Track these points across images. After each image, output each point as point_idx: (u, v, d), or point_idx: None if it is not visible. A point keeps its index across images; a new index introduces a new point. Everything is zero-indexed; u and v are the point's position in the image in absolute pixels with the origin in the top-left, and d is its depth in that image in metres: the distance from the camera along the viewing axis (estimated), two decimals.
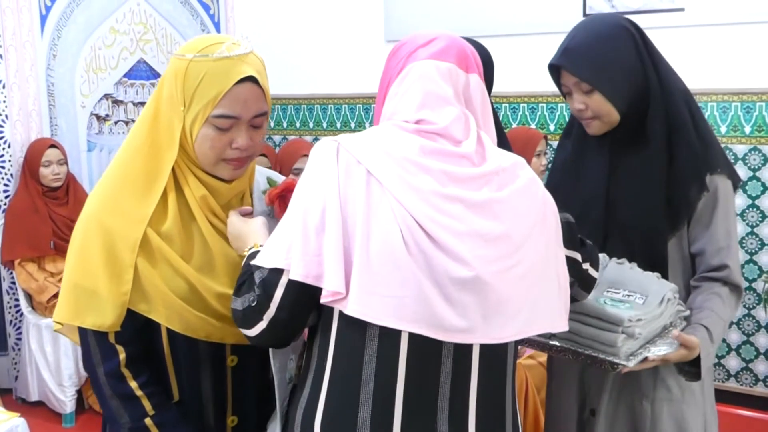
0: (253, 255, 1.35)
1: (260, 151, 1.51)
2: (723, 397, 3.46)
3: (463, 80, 1.34)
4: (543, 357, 2.65)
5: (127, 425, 1.43)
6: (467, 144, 1.30)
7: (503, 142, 1.58)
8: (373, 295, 1.21)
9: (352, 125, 4.86)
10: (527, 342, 1.63)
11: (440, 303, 1.21)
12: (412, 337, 1.23)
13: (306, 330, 1.39)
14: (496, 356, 1.31)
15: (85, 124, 4.52)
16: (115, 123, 4.67)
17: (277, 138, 5.18)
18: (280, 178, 1.64)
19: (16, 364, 4.15)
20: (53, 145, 4.05)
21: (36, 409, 3.92)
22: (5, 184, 4.10)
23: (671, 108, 1.75)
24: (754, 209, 3.72)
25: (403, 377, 1.24)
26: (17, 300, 4.09)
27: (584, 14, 3.96)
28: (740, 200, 3.71)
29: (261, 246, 1.37)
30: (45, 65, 4.26)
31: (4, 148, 4.08)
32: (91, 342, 1.43)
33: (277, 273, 1.26)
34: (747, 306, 3.79)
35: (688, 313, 1.72)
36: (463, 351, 1.27)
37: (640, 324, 1.58)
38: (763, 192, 3.71)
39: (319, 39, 4.93)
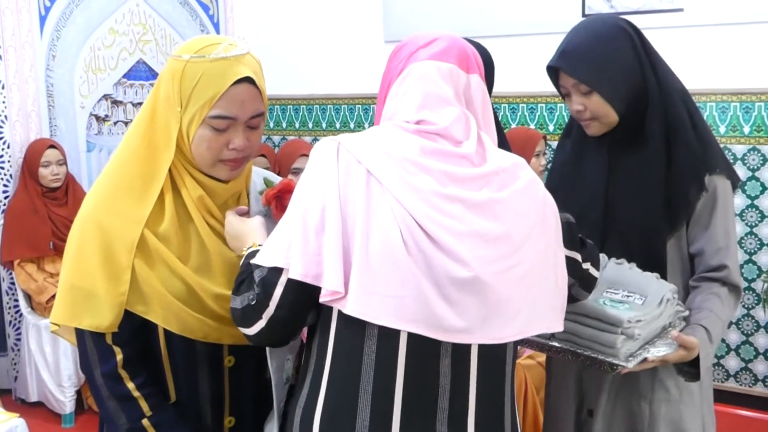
0: (252, 254, 1.35)
1: (257, 151, 1.51)
2: (722, 397, 3.46)
3: (463, 81, 1.34)
4: (542, 357, 2.65)
5: (124, 426, 1.43)
6: (467, 144, 1.30)
7: (502, 142, 1.58)
8: (372, 294, 1.21)
9: (352, 125, 4.86)
10: (527, 342, 1.63)
11: (439, 303, 1.21)
12: (411, 337, 1.23)
13: (304, 330, 1.39)
14: (495, 356, 1.31)
15: (84, 125, 4.52)
16: (115, 123, 4.67)
17: (276, 138, 5.18)
18: (276, 179, 1.64)
19: (15, 364, 4.15)
20: (52, 146, 4.05)
21: (35, 410, 3.92)
22: (4, 185, 4.10)
23: (670, 108, 1.75)
24: (753, 209, 3.73)
25: (402, 377, 1.25)
26: (17, 300, 4.09)
27: (583, 14, 3.96)
28: (739, 200, 3.71)
29: (260, 245, 1.37)
30: (44, 66, 4.26)
31: (3, 149, 4.08)
32: (88, 343, 1.43)
33: (276, 272, 1.27)
34: (746, 306, 3.79)
35: (687, 313, 1.72)
36: (461, 351, 1.27)
37: (639, 325, 1.58)
38: (762, 192, 3.71)
39: (318, 39, 4.93)
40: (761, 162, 3.70)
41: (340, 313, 1.26)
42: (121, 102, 4.70)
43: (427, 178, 1.24)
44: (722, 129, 3.75)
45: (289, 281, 1.25)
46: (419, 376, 1.26)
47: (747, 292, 3.76)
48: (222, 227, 1.50)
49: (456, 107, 1.32)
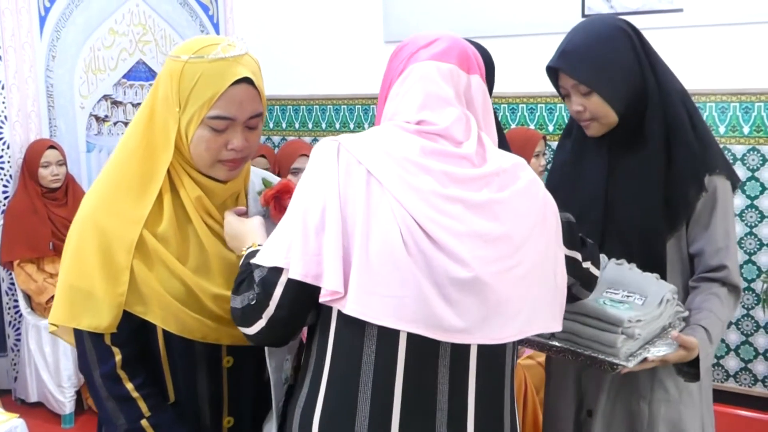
0: (252, 254, 1.35)
1: (255, 151, 1.51)
2: (722, 397, 3.46)
3: (464, 81, 1.35)
4: (542, 357, 2.65)
5: (123, 427, 1.43)
6: (468, 145, 1.30)
7: (502, 142, 1.59)
8: (372, 294, 1.21)
9: (351, 126, 4.86)
10: (527, 342, 1.63)
11: (439, 303, 1.21)
12: (411, 337, 1.23)
13: (304, 330, 1.39)
14: (495, 357, 1.31)
15: (84, 125, 4.52)
16: (114, 124, 4.67)
17: (276, 139, 5.18)
18: (275, 179, 1.64)
19: (15, 365, 4.15)
20: (52, 146, 4.05)
21: (35, 410, 3.92)
22: (4, 185, 4.10)
23: (669, 109, 1.75)
24: (753, 209, 3.73)
25: (402, 377, 1.25)
26: (16, 301, 4.09)
27: (583, 15, 3.97)
28: (739, 200, 3.71)
29: (259, 245, 1.37)
30: (44, 66, 4.26)
31: (3, 149, 4.08)
32: (87, 344, 1.43)
33: (276, 272, 1.27)
34: (746, 306, 3.79)
35: (687, 314, 1.72)
36: (460, 351, 1.27)
37: (639, 325, 1.58)
38: (761, 192, 3.71)
39: (318, 40, 4.93)
40: (761, 162, 3.70)
41: (339, 313, 1.26)
42: (120, 102, 4.70)
43: (428, 178, 1.24)
44: (722, 129, 3.75)
45: (289, 281, 1.25)
46: (418, 376, 1.26)
47: (746, 292, 3.76)
48: (220, 228, 1.50)
49: (456, 108, 1.32)
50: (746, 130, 3.72)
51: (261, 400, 1.55)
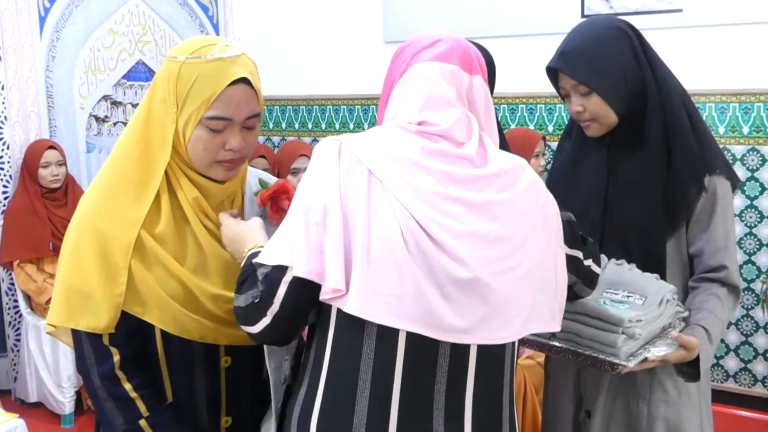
0: (255, 255, 1.35)
1: (253, 152, 1.51)
2: (722, 397, 3.46)
3: (466, 82, 1.35)
4: (541, 357, 2.65)
5: (121, 427, 1.43)
6: (469, 146, 1.30)
7: (502, 143, 1.59)
8: (372, 293, 1.21)
9: (351, 126, 4.86)
10: (527, 342, 1.63)
11: (439, 303, 1.21)
12: (410, 336, 1.24)
13: (304, 329, 1.40)
14: (494, 357, 1.31)
15: (84, 126, 4.52)
16: (114, 124, 4.67)
17: (276, 139, 5.18)
18: (271, 180, 1.64)
19: (15, 365, 4.15)
20: (52, 147, 4.05)
21: (35, 410, 3.92)
22: (4, 186, 4.10)
23: (669, 109, 1.75)
24: (753, 210, 3.73)
25: (400, 377, 1.25)
26: (16, 301, 4.09)
27: (582, 15, 3.97)
28: (738, 201, 3.71)
29: (261, 246, 1.37)
30: (44, 66, 4.26)
31: (3, 150, 4.08)
32: (85, 344, 1.43)
33: (280, 270, 1.26)
34: (745, 307, 3.79)
35: (686, 314, 1.72)
36: (459, 351, 1.27)
37: (640, 324, 1.58)
38: (761, 192, 3.71)
39: (317, 40, 4.93)
40: (760, 162, 3.70)
41: (339, 312, 1.26)
42: (120, 103, 4.70)
43: (428, 178, 1.25)
44: (721, 129, 3.75)
45: (294, 279, 1.25)
46: (417, 375, 1.26)
47: (746, 292, 3.76)
48: (218, 228, 1.50)
49: (458, 108, 1.32)
50: (746, 130, 3.72)
51: (259, 400, 1.56)
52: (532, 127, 4.23)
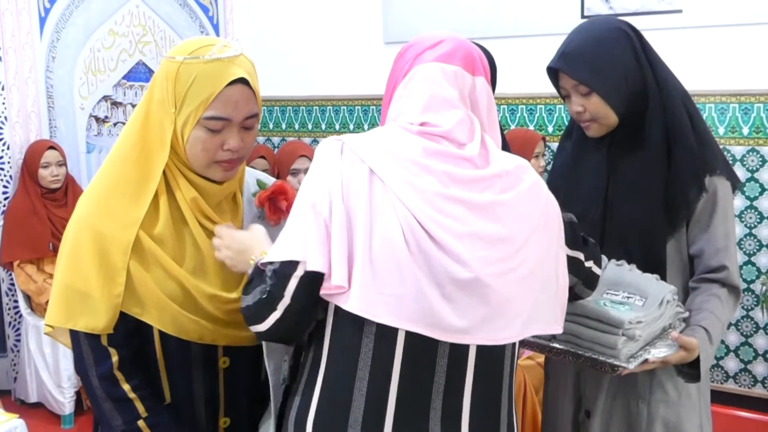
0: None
1: (251, 152, 1.51)
2: (721, 398, 3.46)
3: (469, 83, 1.35)
4: (541, 358, 2.65)
5: (120, 428, 1.44)
6: (471, 147, 1.30)
7: (502, 143, 1.59)
8: (373, 292, 1.22)
9: (351, 127, 4.86)
10: (527, 343, 1.63)
11: (439, 302, 1.21)
12: (409, 336, 1.24)
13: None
14: (494, 358, 1.31)
15: (84, 126, 4.52)
16: (114, 125, 4.67)
17: (275, 140, 5.18)
18: (270, 180, 1.64)
19: (15, 365, 4.15)
20: (52, 147, 4.05)
21: (35, 411, 3.92)
22: (4, 186, 4.10)
23: (669, 110, 1.75)
24: (752, 210, 3.73)
25: (398, 376, 1.25)
26: (16, 301, 4.09)
27: (582, 16, 3.97)
28: (738, 201, 3.71)
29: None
30: (44, 67, 4.26)
31: (3, 150, 4.09)
32: (84, 345, 1.43)
33: (291, 265, 1.25)
34: (745, 307, 3.79)
35: (687, 314, 1.72)
36: (459, 352, 1.27)
37: (640, 326, 1.58)
38: (761, 193, 3.71)
39: (317, 41, 4.93)
40: (760, 163, 3.70)
41: (337, 310, 1.26)
42: (120, 103, 4.70)
43: (430, 178, 1.25)
44: (721, 130, 3.75)
45: (305, 274, 1.24)
46: (415, 375, 1.26)
47: (746, 293, 3.76)
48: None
49: (460, 110, 1.33)
50: (746, 131, 3.72)
51: (257, 400, 1.56)
52: (532, 127, 4.23)
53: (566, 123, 1.98)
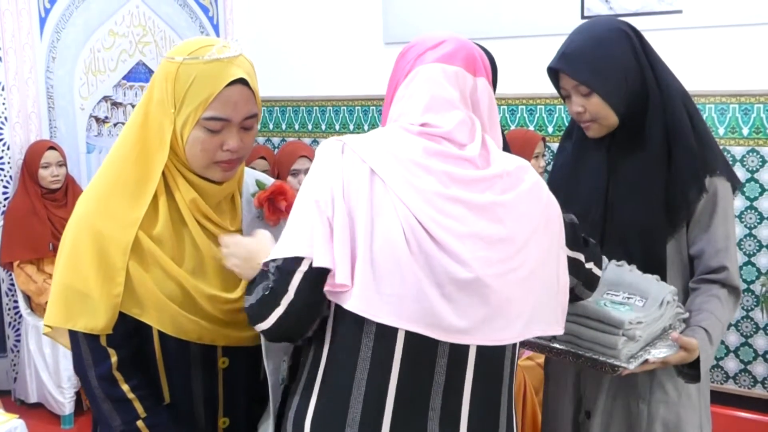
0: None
1: (250, 152, 1.51)
2: (721, 398, 3.46)
3: (470, 83, 1.35)
4: (541, 358, 2.65)
5: (119, 428, 1.44)
6: (471, 148, 1.31)
7: (502, 143, 1.59)
8: (374, 292, 1.22)
9: (351, 127, 4.86)
10: (527, 344, 1.63)
11: (440, 303, 1.22)
12: (409, 335, 1.24)
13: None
14: (494, 358, 1.31)
15: (84, 126, 4.52)
16: (114, 125, 4.67)
17: (276, 140, 5.18)
18: (269, 181, 1.64)
19: (15, 365, 4.15)
20: (52, 147, 4.05)
21: (35, 411, 3.92)
22: (4, 186, 4.10)
23: (670, 110, 1.75)
24: (752, 211, 3.73)
25: (396, 376, 1.25)
26: (16, 302, 4.09)
27: (582, 16, 3.97)
28: (738, 202, 3.71)
29: None
30: (44, 67, 4.26)
31: (3, 150, 4.09)
32: (83, 345, 1.43)
33: (294, 261, 1.25)
34: (745, 308, 3.79)
35: (687, 315, 1.72)
36: (459, 352, 1.27)
37: (640, 326, 1.58)
38: (761, 194, 3.71)
39: (317, 41, 4.93)
40: (760, 164, 3.70)
41: (337, 309, 1.27)
42: (120, 104, 4.70)
43: (430, 178, 1.25)
44: (721, 131, 3.75)
45: (309, 270, 1.24)
46: (414, 375, 1.26)
47: (746, 293, 3.75)
48: (216, 229, 1.50)
49: (461, 110, 1.33)
50: (745, 131, 3.72)
51: (256, 401, 1.56)
52: (532, 128, 4.23)
53: (566, 123, 1.98)
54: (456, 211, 1.24)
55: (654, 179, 1.75)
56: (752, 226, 3.74)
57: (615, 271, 1.70)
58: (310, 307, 1.27)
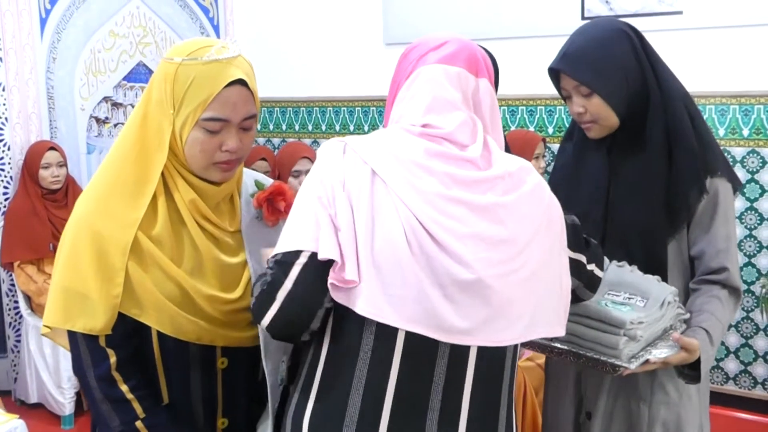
0: None
1: (249, 153, 1.52)
2: (721, 400, 3.47)
3: (472, 84, 1.35)
4: (541, 359, 2.65)
5: (118, 428, 1.44)
6: (473, 149, 1.30)
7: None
8: (375, 293, 1.22)
9: (351, 128, 4.86)
10: (528, 344, 1.63)
11: (442, 303, 1.22)
12: (409, 336, 1.24)
13: None
14: (494, 359, 1.31)
15: (84, 127, 4.53)
16: (115, 126, 4.67)
17: (276, 141, 5.18)
18: (268, 181, 1.64)
19: (15, 366, 4.15)
20: (53, 148, 4.05)
21: (35, 411, 3.92)
22: (5, 187, 4.10)
23: (671, 111, 1.75)
24: (753, 212, 3.73)
25: (396, 375, 1.25)
26: (17, 302, 4.09)
27: (582, 17, 3.97)
28: (738, 203, 3.71)
29: None
30: (45, 68, 4.27)
31: (3, 151, 4.09)
32: (82, 346, 1.43)
33: (293, 254, 1.25)
34: (745, 309, 3.79)
35: (687, 316, 1.72)
36: (459, 353, 1.27)
37: (641, 326, 1.58)
38: (761, 195, 3.71)
39: (318, 42, 4.93)
40: (760, 165, 3.70)
41: (338, 309, 1.26)
42: (121, 104, 4.70)
43: (432, 179, 1.25)
44: (721, 131, 3.75)
45: (308, 262, 1.24)
46: (414, 375, 1.26)
47: (746, 294, 3.75)
48: (215, 230, 1.50)
49: (463, 111, 1.33)
50: (746, 132, 3.72)
51: (255, 402, 1.57)
52: (532, 128, 4.23)
53: (566, 124, 1.98)
54: (457, 212, 1.24)
55: (655, 180, 1.75)
56: (752, 227, 3.74)
57: (616, 272, 1.70)
58: (308, 298, 1.25)
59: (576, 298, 1.46)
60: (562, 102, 1.85)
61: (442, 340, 1.24)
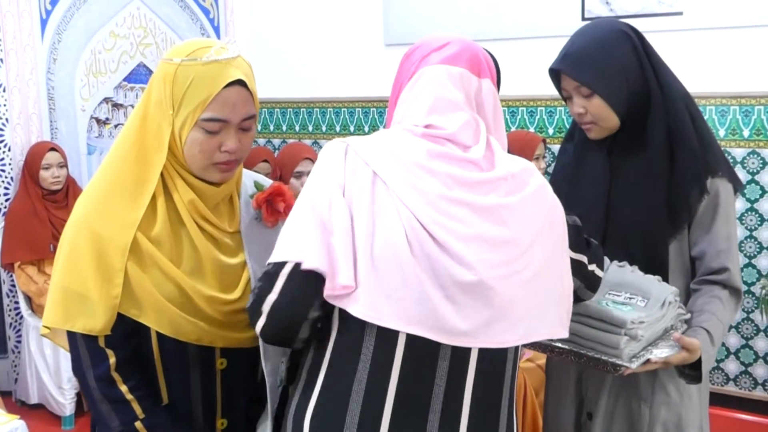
0: None
1: (248, 153, 1.52)
2: (722, 400, 3.47)
3: (475, 85, 1.35)
4: (541, 360, 2.65)
5: (117, 429, 1.43)
6: (476, 150, 1.30)
7: None
8: (376, 295, 1.21)
9: (352, 129, 4.86)
10: (529, 344, 1.63)
11: (443, 305, 1.21)
12: (410, 337, 1.24)
13: None
14: (495, 361, 1.31)
15: (85, 128, 4.53)
16: (115, 126, 4.67)
17: (276, 141, 5.18)
18: (267, 182, 1.64)
19: (15, 366, 4.15)
20: (53, 149, 4.05)
21: (35, 412, 3.93)
22: (5, 188, 4.11)
23: (671, 111, 1.75)
24: (753, 213, 3.73)
25: (397, 377, 1.25)
26: (17, 303, 4.09)
27: (583, 18, 3.97)
28: (739, 204, 3.70)
29: None
30: (45, 69, 4.27)
31: (4, 152, 4.09)
32: (81, 346, 1.43)
33: (280, 265, 1.25)
34: (746, 309, 3.79)
35: (688, 316, 1.72)
36: (460, 354, 1.27)
37: (642, 326, 1.58)
38: (761, 195, 3.71)
39: (318, 43, 4.93)
40: (761, 165, 3.70)
41: (339, 312, 1.26)
42: (121, 105, 4.70)
43: (434, 181, 1.25)
44: (722, 132, 3.75)
45: (293, 271, 1.24)
46: (415, 376, 1.26)
47: (746, 295, 3.75)
48: (214, 230, 1.50)
49: (466, 112, 1.33)
50: (746, 133, 3.72)
51: (254, 402, 1.57)
52: (532, 129, 4.23)
53: (567, 125, 1.98)
54: (459, 213, 1.24)
55: (656, 181, 1.75)
56: (753, 227, 3.74)
57: (616, 272, 1.70)
58: (292, 312, 1.25)
59: (577, 298, 1.46)
60: (563, 103, 1.85)
61: (444, 342, 1.24)
